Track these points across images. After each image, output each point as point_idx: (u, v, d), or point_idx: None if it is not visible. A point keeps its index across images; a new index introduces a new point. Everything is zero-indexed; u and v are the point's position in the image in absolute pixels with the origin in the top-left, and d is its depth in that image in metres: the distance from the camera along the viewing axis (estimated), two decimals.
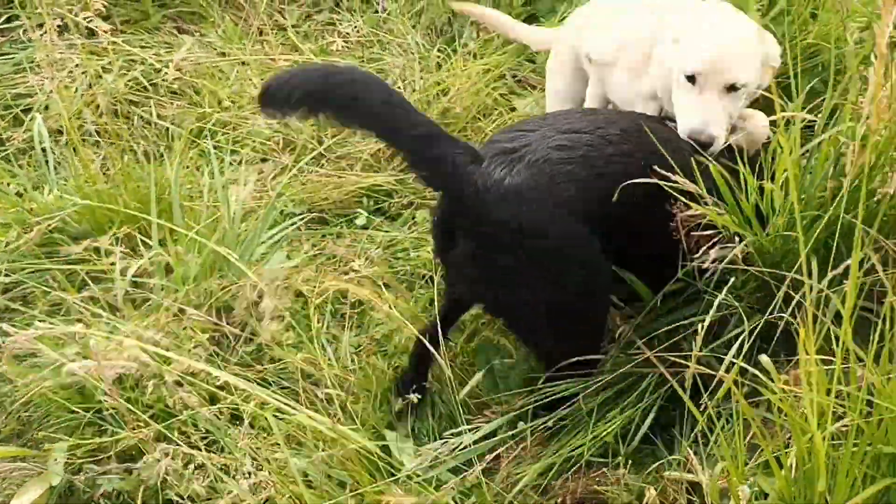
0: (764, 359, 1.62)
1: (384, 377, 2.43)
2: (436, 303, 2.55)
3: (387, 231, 2.95)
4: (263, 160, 3.17)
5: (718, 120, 2.22)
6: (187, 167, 3.01)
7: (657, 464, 2.09)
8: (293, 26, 3.75)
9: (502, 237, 1.98)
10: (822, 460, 1.50)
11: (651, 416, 2.18)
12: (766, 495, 1.65)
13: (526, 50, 3.45)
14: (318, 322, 2.60)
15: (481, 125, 3.19)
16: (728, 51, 2.24)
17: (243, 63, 3.51)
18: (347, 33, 3.75)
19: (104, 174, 2.90)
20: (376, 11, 3.82)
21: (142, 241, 2.57)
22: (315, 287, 2.67)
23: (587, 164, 2.00)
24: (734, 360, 1.66)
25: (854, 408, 1.48)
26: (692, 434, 2.02)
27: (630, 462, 2.12)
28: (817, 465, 1.47)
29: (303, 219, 2.92)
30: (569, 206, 1.97)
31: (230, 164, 3.07)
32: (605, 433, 2.14)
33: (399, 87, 3.39)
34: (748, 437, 1.71)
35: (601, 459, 2.16)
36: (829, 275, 1.73)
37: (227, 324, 2.44)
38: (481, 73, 3.35)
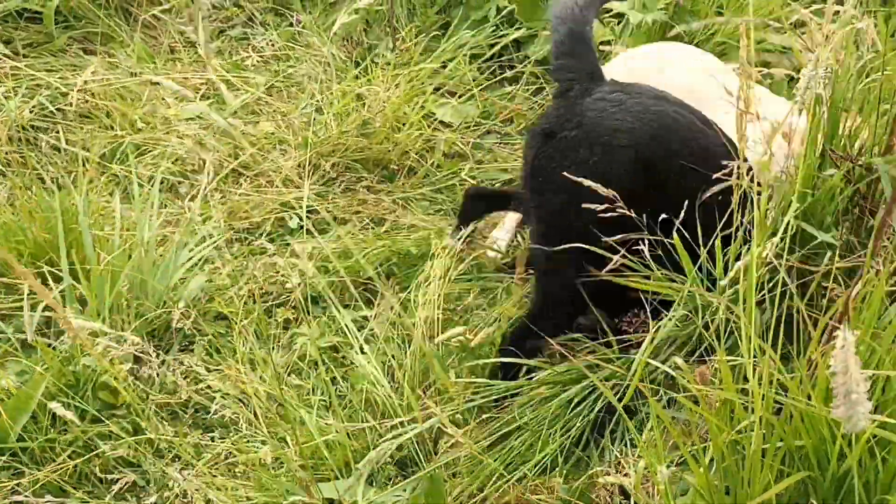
0: (677, 360, 1.64)
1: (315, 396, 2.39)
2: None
3: (313, 246, 2.90)
4: (180, 181, 3.09)
5: None
6: (99, 193, 2.92)
7: (592, 470, 2.10)
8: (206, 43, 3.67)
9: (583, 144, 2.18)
10: (723, 453, 1.53)
11: (585, 424, 2.19)
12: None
13: (443, 58, 3.45)
14: (243, 345, 2.54)
15: (399, 137, 3.15)
16: None
17: (154, 83, 3.42)
18: (262, 48, 3.69)
19: (11, 206, 2.79)
20: (291, 24, 3.77)
21: (52, 273, 2.48)
22: (239, 308, 2.62)
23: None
24: (651, 361, 1.67)
25: (758, 404, 1.50)
26: (624, 438, 2.04)
27: (567, 468, 2.14)
28: (729, 461, 1.49)
29: (223, 239, 2.86)
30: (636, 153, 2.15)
31: (144, 186, 2.98)
32: (543, 443, 2.15)
33: (316, 100, 3.36)
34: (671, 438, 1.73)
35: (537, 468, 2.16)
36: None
37: (147, 353, 2.37)
38: (400, 83, 3.33)
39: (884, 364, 1.57)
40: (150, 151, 3.17)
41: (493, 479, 2.10)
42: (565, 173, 2.04)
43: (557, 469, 2.13)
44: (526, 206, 2.47)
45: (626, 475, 1.98)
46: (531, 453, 2.14)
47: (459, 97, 3.43)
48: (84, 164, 3.06)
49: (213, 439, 2.34)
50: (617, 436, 2.14)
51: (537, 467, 2.13)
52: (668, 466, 1.60)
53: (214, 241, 2.79)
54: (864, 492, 1.63)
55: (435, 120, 3.33)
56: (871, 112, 2.08)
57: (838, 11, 1.86)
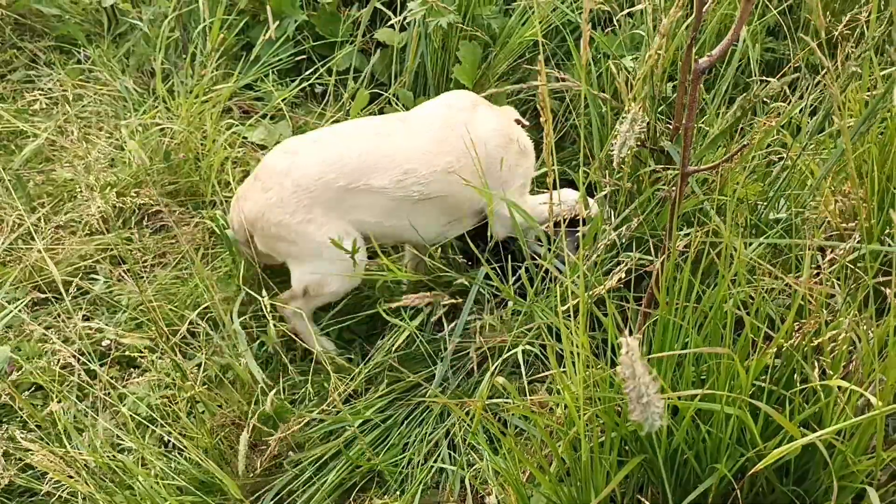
0: (499, 380, 1.64)
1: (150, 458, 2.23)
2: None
3: (129, 294, 2.71)
4: None
5: None
6: None
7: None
8: None
9: None
10: (563, 458, 1.53)
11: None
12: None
13: (247, 79, 3.33)
14: (64, 413, 2.34)
15: (206, 164, 3.01)
16: None
17: None
18: (49, 89, 3.43)
19: None
20: (79, 61, 3.53)
21: None
22: (55, 375, 2.41)
23: None
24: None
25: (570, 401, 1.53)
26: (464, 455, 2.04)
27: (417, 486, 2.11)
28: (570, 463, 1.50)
29: (27, 303, 2.62)
30: None
31: None
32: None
33: (116, 137, 3.15)
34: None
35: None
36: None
37: None
38: (204, 109, 3.17)
39: (693, 339, 1.63)
40: None
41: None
42: None
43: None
44: None
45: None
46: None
47: (272, 118, 3.32)
48: None
49: None
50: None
51: None
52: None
53: (17, 307, 2.56)
54: (696, 463, 1.68)
55: (247, 142, 3.21)
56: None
57: None
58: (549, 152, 1.73)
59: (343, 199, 2.36)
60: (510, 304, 2.24)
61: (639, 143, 2.12)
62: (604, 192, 2.09)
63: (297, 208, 2.33)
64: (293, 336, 2.48)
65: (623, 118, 1.35)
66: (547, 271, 2.15)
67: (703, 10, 1.67)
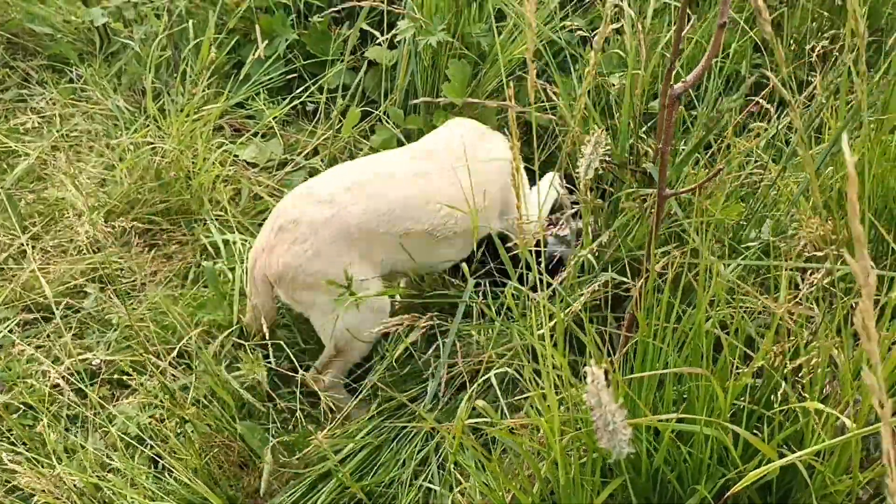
0: (480, 403, 1.65)
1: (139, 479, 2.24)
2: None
3: (118, 314, 2.72)
4: None
5: None
6: None
7: None
8: None
9: None
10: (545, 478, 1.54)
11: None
12: None
13: (238, 97, 3.35)
14: (55, 434, 2.35)
15: (196, 183, 3.02)
16: None
17: None
18: (41, 108, 3.45)
19: None
20: (71, 80, 3.55)
21: None
22: (44, 396, 2.42)
23: None
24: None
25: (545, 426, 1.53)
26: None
27: None
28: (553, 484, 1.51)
29: (16, 322, 2.64)
30: None
31: None
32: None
33: (107, 156, 3.17)
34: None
35: None
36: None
37: None
38: (195, 127, 3.19)
39: (674, 360, 1.64)
40: None
41: None
42: None
43: None
44: None
45: None
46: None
47: (263, 136, 3.34)
48: None
49: None
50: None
51: None
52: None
53: (7, 326, 2.58)
54: (678, 483, 1.69)
55: (238, 160, 3.22)
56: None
57: None
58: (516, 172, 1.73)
59: (380, 243, 2.33)
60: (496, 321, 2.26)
61: (618, 163, 2.15)
62: (573, 210, 2.11)
63: (336, 259, 2.27)
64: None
65: (587, 140, 1.37)
66: (533, 289, 2.17)
67: (682, 34, 1.69)
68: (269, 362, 2.41)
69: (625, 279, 1.93)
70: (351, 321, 2.29)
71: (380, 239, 2.32)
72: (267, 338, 2.35)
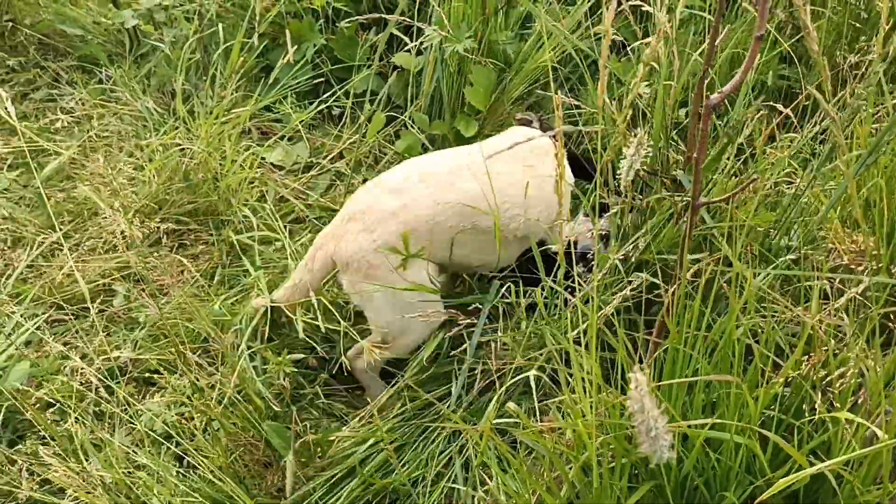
0: (511, 406, 1.66)
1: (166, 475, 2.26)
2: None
3: (146, 313, 2.75)
4: None
5: None
6: None
7: None
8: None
9: None
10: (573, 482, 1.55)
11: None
12: None
13: (266, 101, 3.39)
14: (81, 430, 2.37)
15: (224, 185, 3.05)
16: None
17: None
18: (71, 108, 3.50)
19: None
20: (100, 81, 3.59)
21: None
22: (72, 392, 2.45)
23: None
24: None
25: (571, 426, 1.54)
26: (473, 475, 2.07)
27: None
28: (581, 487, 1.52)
29: (44, 319, 2.67)
30: None
31: None
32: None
33: (136, 157, 3.21)
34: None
35: None
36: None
37: None
38: (224, 130, 3.23)
39: (703, 367, 1.65)
40: None
41: None
42: None
43: None
44: None
45: None
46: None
47: (289, 139, 3.37)
48: None
49: None
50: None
51: None
52: None
53: (35, 323, 2.61)
54: (706, 490, 1.70)
55: (265, 163, 3.26)
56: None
57: None
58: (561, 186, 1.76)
59: (443, 238, 2.35)
60: (524, 323, 2.27)
61: (649, 171, 2.16)
62: (613, 211, 2.12)
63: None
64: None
65: (630, 142, 1.39)
66: (565, 289, 2.18)
67: (716, 42, 1.71)
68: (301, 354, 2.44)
69: (657, 281, 1.94)
70: (399, 321, 2.32)
71: (445, 233, 2.34)
72: (295, 314, 2.38)
